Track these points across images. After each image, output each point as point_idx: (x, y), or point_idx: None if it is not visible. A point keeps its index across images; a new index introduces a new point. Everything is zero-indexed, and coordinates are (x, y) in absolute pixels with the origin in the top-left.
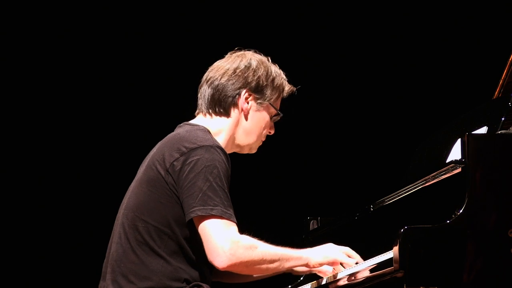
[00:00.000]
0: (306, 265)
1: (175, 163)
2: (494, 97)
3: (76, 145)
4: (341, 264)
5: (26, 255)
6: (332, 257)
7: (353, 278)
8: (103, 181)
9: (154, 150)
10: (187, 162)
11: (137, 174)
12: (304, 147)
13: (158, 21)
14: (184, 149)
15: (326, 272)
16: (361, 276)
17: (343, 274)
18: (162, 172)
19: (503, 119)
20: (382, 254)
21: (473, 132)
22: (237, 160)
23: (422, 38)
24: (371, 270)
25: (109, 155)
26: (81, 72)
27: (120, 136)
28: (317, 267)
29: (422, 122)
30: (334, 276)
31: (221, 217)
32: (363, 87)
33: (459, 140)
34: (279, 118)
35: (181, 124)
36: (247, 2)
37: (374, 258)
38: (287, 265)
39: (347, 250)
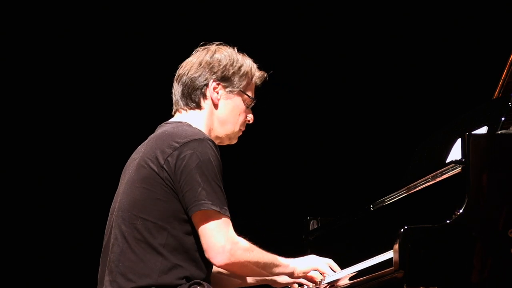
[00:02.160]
0: (291, 273)
1: (169, 158)
2: (494, 97)
3: (76, 145)
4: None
5: (26, 255)
6: (315, 266)
7: (353, 278)
8: (103, 181)
9: (143, 150)
10: (181, 157)
11: (123, 178)
12: (304, 147)
13: (158, 21)
14: (176, 144)
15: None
16: (361, 276)
17: (343, 274)
18: (156, 169)
19: (503, 119)
20: (382, 254)
21: (473, 132)
22: (237, 160)
23: (422, 38)
24: (372, 270)
25: (109, 155)
26: (81, 72)
27: (120, 136)
28: (301, 276)
29: (422, 122)
30: (319, 282)
31: (219, 213)
32: (363, 87)
33: (459, 140)
34: (253, 104)
35: (162, 124)
36: (247, 2)
37: (374, 258)
38: (276, 271)
39: (329, 261)
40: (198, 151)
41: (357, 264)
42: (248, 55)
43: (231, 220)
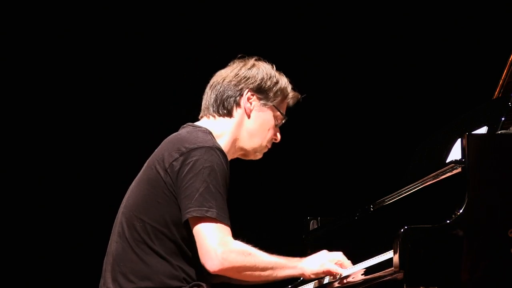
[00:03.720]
0: (302, 274)
1: (174, 163)
2: (494, 97)
3: (76, 145)
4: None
5: (26, 255)
6: (327, 267)
7: (353, 278)
8: (103, 181)
9: (156, 151)
10: (186, 162)
11: (139, 174)
12: (304, 147)
13: (158, 21)
14: (183, 149)
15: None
16: (361, 276)
17: (343, 274)
18: (161, 172)
19: (503, 119)
20: (382, 254)
21: (473, 132)
22: (237, 160)
23: (422, 38)
24: (371, 270)
25: (109, 155)
26: (81, 72)
27: (120, 136)
28: (313, 276)
29: (422, 122)
30: (334, 276)
31: (215, 219)
32: (363, 87)
33: (459, 140)
34: (283, 122)
35: (185, 125)
36: (247, 2)
37: (374, 258)
38: (281, 274)
39: (340, 257)
40: (204, 158)
41: (357, 264)
42: (247, 54)
43: (232, 226)
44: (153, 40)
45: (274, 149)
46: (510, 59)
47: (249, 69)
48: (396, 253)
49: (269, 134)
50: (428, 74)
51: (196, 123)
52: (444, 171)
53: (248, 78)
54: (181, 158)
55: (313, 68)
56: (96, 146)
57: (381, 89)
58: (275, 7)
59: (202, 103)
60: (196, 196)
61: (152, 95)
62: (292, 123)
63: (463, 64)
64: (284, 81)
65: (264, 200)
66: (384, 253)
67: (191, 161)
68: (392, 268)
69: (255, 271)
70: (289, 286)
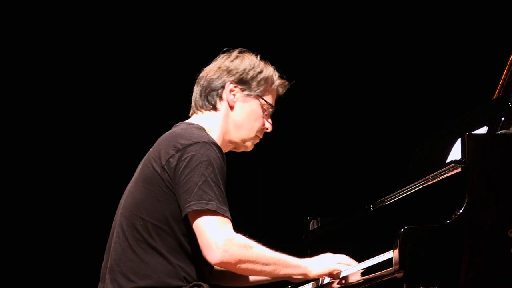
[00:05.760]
0: (305, 275)
1: (170, 159)
2: (494, 97)
3: (76, 145)
4: None
5: (26, 255)
6: (332, 267)
7: (353, 278)
8: (103, 181)
9: (151, 148)
10: (183, 158)
11: (135, 174)
12: (304, 147)
13: (158, 21)
14: (179, 146)
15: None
16: (361, 276)
17: (343, 274)
18: (158, 170)
19: (503, 119)
20: (382, 254)
21: (473, 132)
22: (237, 160)
23: (423, 38)
24: (371, 270)
25: (108, 155)
26: (81, 72)
27: (120, 136)
28: (317, 278)
29: (422, 122)
30: (337, 275)
31: (216, 212)
32: (363, 87)
33: (459, 140)
34: (271, 111)
35: (177, 124)
36: (247, 3)
37: (374, 258)
38: (283, 271)
39: (345, 259)
40: (200, 153)
41: (357, 264)
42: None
43: (232, 220)
44: (153, 41)
45: (274, 149)
46: (510, 59)
47: (231, 61)
48: (396, 253)
49: (257, 124)
50: (428, 74)
51: (188, 121)
52: (444, 171)
53: (230, 70)
54: (178, 154)
55: (313, 68)
56: (95, 146)
57: (381, 89)
58: (274, 6)
59: (192, 100)
60: (195, 190)
61: (151, 95)
62: (292, 123)
63: (463, 64)
64: (269, 70)
65: (264, 200)
66: (384, 253)
67: (188, 156)
68: (392, 268)
69: (256, 265)
70: (289, 286)
